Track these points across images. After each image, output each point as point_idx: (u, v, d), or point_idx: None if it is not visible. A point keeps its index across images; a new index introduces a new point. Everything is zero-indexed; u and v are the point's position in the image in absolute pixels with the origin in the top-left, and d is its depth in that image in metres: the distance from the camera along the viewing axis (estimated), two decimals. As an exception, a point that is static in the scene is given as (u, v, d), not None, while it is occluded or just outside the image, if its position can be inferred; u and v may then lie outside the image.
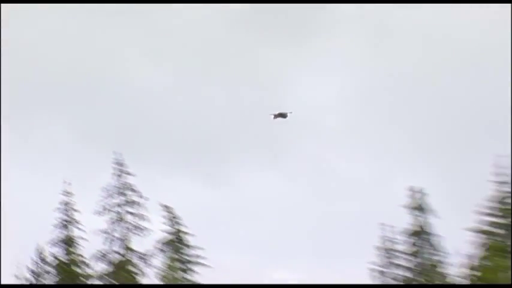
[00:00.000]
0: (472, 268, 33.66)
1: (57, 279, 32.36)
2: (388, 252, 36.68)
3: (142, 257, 33.48)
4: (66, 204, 34.16)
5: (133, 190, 34.58)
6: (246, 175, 63.07)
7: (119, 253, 33.62)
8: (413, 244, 35.83)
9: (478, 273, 32.51)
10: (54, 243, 33.56)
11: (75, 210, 33.93)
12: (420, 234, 35.60)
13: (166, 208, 34.90)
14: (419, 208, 35.73)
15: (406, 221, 36.07)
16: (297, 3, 55.67)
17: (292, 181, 67.08)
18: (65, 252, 33.52)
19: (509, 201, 31.07)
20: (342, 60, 67.56)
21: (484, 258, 31.89)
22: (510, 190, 31.19)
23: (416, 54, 63.67)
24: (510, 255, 30.26)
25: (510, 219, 31.03)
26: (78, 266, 32.65)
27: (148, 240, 34.54)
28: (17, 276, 32.39)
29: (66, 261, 32.77)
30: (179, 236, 35.02)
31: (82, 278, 32.53)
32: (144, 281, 33.25)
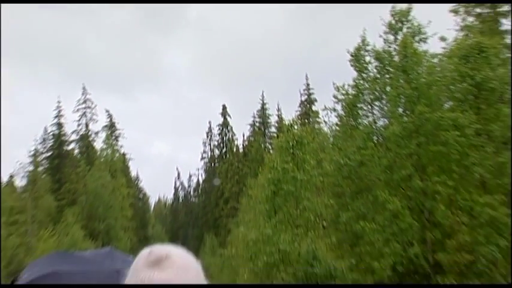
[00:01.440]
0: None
1: (53, 150, 54.91)
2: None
3: (95, 133, 60.37)
4: (58, 109, 57.52)
5: (90, 102, 60.77)
6: (143, 95, 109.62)
7: (84, 131, 60.56)
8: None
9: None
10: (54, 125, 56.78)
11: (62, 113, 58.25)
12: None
13: (107, 111, 62.34)
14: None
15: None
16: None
17: (167, 98, 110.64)
18: (58, 131, 56.10)
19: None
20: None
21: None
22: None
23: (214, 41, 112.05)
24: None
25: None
26: (65, 136, 57.07)
27: (97, 126, 62.16)
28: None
29: (59, 134, 55.94)
30: (112, 123, 62.22)
31: (66, 143, 57.20)
32: (95, 145, 62.93)
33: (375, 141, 24.22)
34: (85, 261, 2.83)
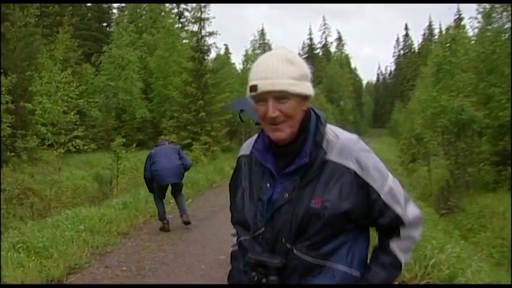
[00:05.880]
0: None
1: (307, 52, 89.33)
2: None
3: (330, 42, 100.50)
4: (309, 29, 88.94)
5: (328, 25, 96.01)
6: (356, 19, 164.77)
7: (324, 42, 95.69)
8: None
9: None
10: (307, 39, 73.36)
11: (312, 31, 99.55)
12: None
13: (337, 30, 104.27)
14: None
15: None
16: None
17: (372, 22, 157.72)
18: (309, 42, 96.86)
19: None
20: None
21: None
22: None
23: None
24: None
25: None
26: (314, 44, 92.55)
27: (331, 38, 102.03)
28: None
29: (310, 44, 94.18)
30: (339, 37, 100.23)
31: (314, 49, 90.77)
32: (331, 49, 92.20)
33: (502, 38, 27.83)
34: None
